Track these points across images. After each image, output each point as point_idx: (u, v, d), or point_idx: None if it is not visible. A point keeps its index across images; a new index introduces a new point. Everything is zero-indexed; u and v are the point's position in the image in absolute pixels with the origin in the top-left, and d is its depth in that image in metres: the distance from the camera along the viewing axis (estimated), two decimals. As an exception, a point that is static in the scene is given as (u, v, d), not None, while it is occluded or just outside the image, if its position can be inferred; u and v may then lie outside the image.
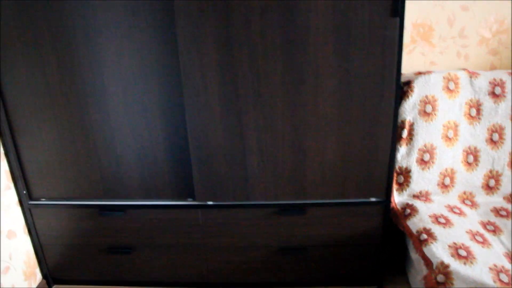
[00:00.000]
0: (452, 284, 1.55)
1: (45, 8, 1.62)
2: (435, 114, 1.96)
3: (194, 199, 1.89)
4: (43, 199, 1.98)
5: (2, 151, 1.88)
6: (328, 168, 1.79)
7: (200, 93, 1.67)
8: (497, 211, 1.94)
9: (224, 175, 1.81)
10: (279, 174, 1.80)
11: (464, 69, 2.01)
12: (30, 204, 1.99)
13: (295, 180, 1.81)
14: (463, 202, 2.03)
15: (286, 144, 1.74)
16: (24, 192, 1.96)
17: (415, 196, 2.03)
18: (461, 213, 1.91)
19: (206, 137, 1.74)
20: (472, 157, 2.02)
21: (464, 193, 2.05)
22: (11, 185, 1.94)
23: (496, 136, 2.00)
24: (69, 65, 1.70)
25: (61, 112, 1.78)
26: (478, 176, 2.04)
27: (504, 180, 2.03)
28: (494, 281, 1.51)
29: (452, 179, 2.02)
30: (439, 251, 1.65)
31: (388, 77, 1.64)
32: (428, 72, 1.96)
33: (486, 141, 2.01)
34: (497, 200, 2.04)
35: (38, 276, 2.15)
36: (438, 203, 1.98)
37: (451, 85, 1.96)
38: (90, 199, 1.95)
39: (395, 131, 1.75)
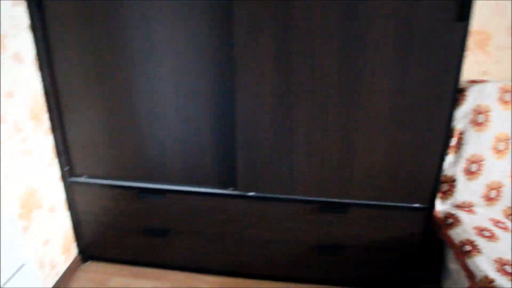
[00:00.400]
0: (495, 300, 1.51)
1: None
2: (487, 125, 1.90)
3: (235, 189, 1.88)
4: (85, 176, 1.99)
5: (49, 127, 1.89)
6: (375, 169, 1.76)
7: (252, 84, 1.65)
8: (543, 230, 1.88)
9: (268, 167, 1.80)
10: (325, 171, 1.78)
11: (521, 81, 1.94)
12: (71, 181, 2.01)
13: (340, 178, 1.79)
14: (508, 217, 1.97)
15: (335, 142, 1.72)
16: (67, 168, 1.97)
17: (458, 206, 1.98)
18: (506, 228, 1.86)
19: (254, 128, 1.73)
20: (521, 172, 1.96)
21: (510, 208, 2.00)
22: (55, 160, 1.96)
23: (548, 153, 1.93)
24: (121, 45, 1.70)
25: (110, 91, 1.79)
26: (526, 192, 1.98)
27: (553, 199, 1.96)
28: (540, 302, 1.47)
29: (498, 192, 1.97)
30: (483, 265, 1.61)
31: (446, 83, 1.60)
32: (483, 81, 1.91)
33: (538, 158, 1.95)
34: (544, 218, 1.97)
35: (74, 252, 2.18)
36: (482, 216, 1.93)
37: (507, 96, 1.90)
38: (131, 180, 1.96)
39: (447, 139, 1.71)
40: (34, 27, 1.71)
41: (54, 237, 1.98)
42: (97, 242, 2.15)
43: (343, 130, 1.70)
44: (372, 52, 1.56)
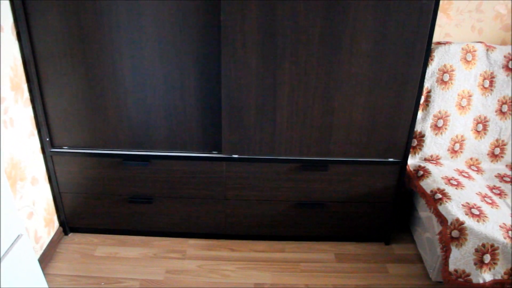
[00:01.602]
0: (466, 239, 1.67)
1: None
2: (451, 83, 2.05)
3: (219, 152, 1.94)
4: (65, 147, 1.98)
5: (28, 97, 1.86)
6: (353, 128, 1.86)
7: (238, 48, 1.69)
8: (501, 177, 2.07)
9: (252, 129, 1.86)
10: (307, 130, 1.87)
11: (481, 42, 2.09)
12: (52, 151, 1.99)
13: (320, 138, 1.88)
14: (470, 167, 2.15)
15: (316, 102, 1.80)
16: (47, 139, 1.96)
17: (426, 160, 2.14)
18: (469, 177, 2.03)
19: (239, 91, 1.78)
20: (481, 126, 2.14)
21: (471, 159, 2.17)
22: (35, 132, 1.94)
23: (505, 108, 2.11)
24: (106, 11, 1.68)
25: (93, 58, 1.77)
26: (485, 144, 2.16)
27: (509, 149, 2.15)
28: (504, 238, 1.64)
29: (461, 145, 2.14)
30: (454, 209, 1.76)
31: (419, 44, 1.71)
32: (448, 43, 2.04)
33: (496, 111, 2.12)
34: (501, 167, 2.17)
35: (56, 224, 2.18)
36: (448, 167, 2.09)
37: (469, 57, 2.04)
38: (114, 148, 1.96)
39: (419, 97, 1.82)
40: (11, -5, 1.67)
41: (37, 210, 1.97)
42: (79, 213, 2.15)
43: (324, 91, 1.78)
44: (352, 16, 1.64)
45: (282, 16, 1.64)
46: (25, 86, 1.84)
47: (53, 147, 1.99)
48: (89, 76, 1.81)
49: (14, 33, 1.75)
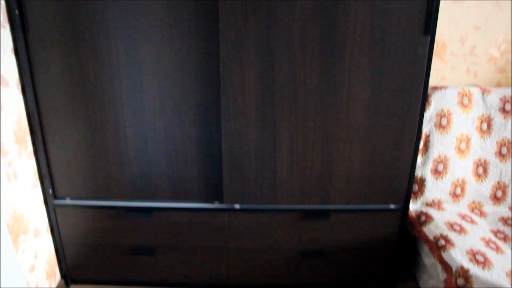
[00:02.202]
0: (471, 287, 1.65)
1: (87, 9, 1.66)
2: (449, 127, 2.07)
3: (221, 202, 1.94)
4: (68, 198, 1.99)
5: (32, 149, 1.89)
6: (353, 175, 1.87)
7: (237, 98, 1.73)
8: (504, 221, 2.06)
9: (253, 179, 1.87)
10: (307, 179, 1.87)
11: (476, 85, 2.12)
12: (55, 203, 2.00)
13: (321, 186, 1.89)
14: (472, 211, 2.14)
15: (316, 150, 1.82)
16: (50, 191, 1.97)
17: (428, 204, 2.13)
18: (472, 222, 2.02)
19: (239, 141, 1.80)
20: (481, 169, 2.14)
21: (473, 202, 2.17)
22: (38, 183, 1.96)
23: (504, 150, 2.12)
24: (107, 65, 1.73)
25: (95, 111, 1.81)
26: (486, 187, 2.15)
27: (510, 192, 2.15)
28: (511, 285, 1.62)
29: (462, 189, 2.14)
30: (458, 256, 1.75)
31: (416, 91, 1.74)
32: (444, 87, 2.07)
33: (495, 154, 2.13)
34: (504, 210, 2.16)
35: (58, 276, 2.17)
36: (450, 212, 2.09)
37: (465, 100, 2.07)
38: (117, 199, 1.97)
39: (417, 143, 1.84)
40: (17, 50, 1.72)
41: (39, 263, 1.96)
42: (81, 264, 2.14)
43: (322, 140, 1.80)
44: (348, 65, 1.68)
45: (280, 68, 1.69)
46: (28, 139, 1.87)
47: (56, 198, 2.00)
48: (91, 127, 1.84)
49: (19, 87, 1.79)
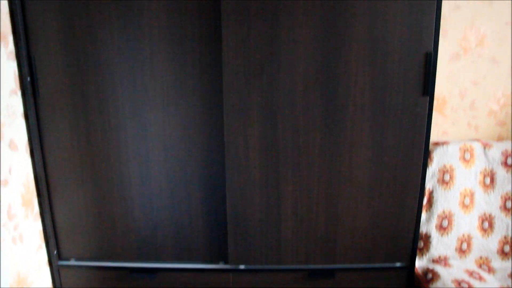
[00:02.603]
0: None
1: (95, 75, 1.73)
2: (452, 183, 2.08)
3: (226, 263, 1.93)
4: (73, 259, 1.99)
5: (38, 212, 1.91)
6: (358, 233, 1.87)
7: (241, 160, 1.76)
8: (513, 277, 2.03)
9: (258, 240, 1.87)
10: (311, 239, 1.87)
11: (477, 140, 2.15)
12: (60, 264, 2.00)
13: (326, 245, 1.89)
14: (480, 267, 2.11)
15: (320, 210, 1.83)
16: (55, 252, 1.97)
17: (434, 261, 2.11)
18: (480, 278, 1.99)
19: (244, 202, 1.82)
20: (487, 224, 2.13)
21: (481, 258, 2.15)
22: (43, 245, 1.96)
23: (509, 204, 2.12)
24: (114, 129, 1.78)
25: (102, 174, 1.84)
26: (493, 242, 2.14)
27: (518, 246, 2.13)
28: None
29: (469, 244, 2.12)
30: (467, 317, 1.72)
31: (417, 148, 1.77)
32: (445, 143, 2.10)
33: (500, 208, 2.13)
34: (512, 265, 2.13)
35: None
36: (457, 268, 2.06)
37: (467, 156, 2.09)
38: (122, 260, 1.97)
39: (421, 199, 1.85)
40: (27, 114, 1.77)
41: (42, 324, 1.94)
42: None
43: (326, 199, 1.82)
44: (350, 125, 1.72)
45: (283, 130, 1.73)
46: (35, 201, 1.89)
47: (61, 259, 2.00)
48: (97, 189, 1.87)
49: (28, 150, 1.83)
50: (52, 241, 1.96)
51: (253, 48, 1.65)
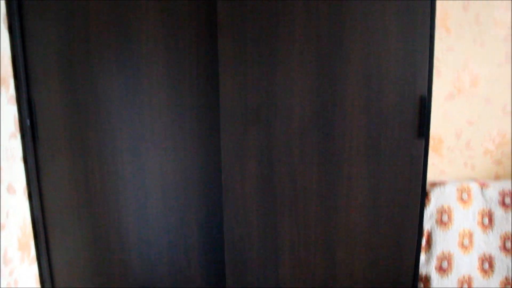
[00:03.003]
0: None
1: (95, 121, 1.75)
2: (451, 223, 2.08)
3: (224, 306, 1.91)
4: (68, 304, 1.97)
5: (34, 255, 1.90)
6: (357, 277, 1.85)
7: (239, 205, 1.76)
8: (515, 319, 2.00)
9: (256, 281, 1.85)
10: (309, 284, 1.85)
11: (474, 180, 2.16)
12: (55, 307, 1.97)
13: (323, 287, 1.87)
14: (481, 309, 2.09)
15: (318, 255, 1.82)
16: (50, 297, 1.95)
17: (435, 303, 2.09)
18: (482, 322, 1.97)
19: (242, 245, 1.81)
20: (487, 264, 2.12)
21: (482, 299, 2.12)
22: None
23: (508, 244, 2.11)
24: (112, 173, 1.79)
25: (99, 217, 1.84)
26: (494, 283, 2.12)
27: (519, 287, 2.11)
28: None
29: (469, 285, 2.10)
30: None
31: (414, 189, 1.77)
32: (442, 183, 2.11)
33: (500, 248, 2.12)
34: (514, 307, 2.11)
35: None
36: (459, 310, 2.04)
37: (465, 196, 2.10)
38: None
39: (419, 240, 1.84)
40: (26, 158, 1.78)
41: None
42: None
43: (324, 244, 1.81)
44: (347, 169, 1.73)
45: (280, 175, 1.74)
46: (32, 244, 1.88)
47: (56, 304, 1.97)
48: (94, 233, 1.86)
49: (26, 193, 1.83)
50: (48, 284, 1.93)
51: (250, 93, 1.67)
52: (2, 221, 1.67)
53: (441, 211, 2.07)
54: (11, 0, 1.67)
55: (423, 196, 1.80)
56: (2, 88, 1.67)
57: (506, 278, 2.12)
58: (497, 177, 2.36)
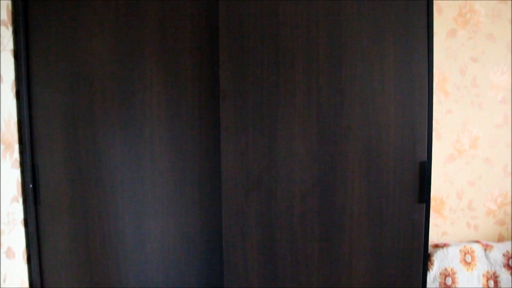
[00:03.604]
0: None
1: (96, 186, 1.76)
2: (455, 287, 2.04)
3: None
4: None
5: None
6: None
7: (240, 272, 1.75)
8: None
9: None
10: None
11: (477, 242, 2.14)
12: None
13: None
14: None
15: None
16: None
17: None
18: None
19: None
20: (494, 330, 2.07)
21: None
22: None
23: (515, 308, 2.07)
24: (113, 238, 1.78)
25: (99, 280, 1.81)
26: None
27: None
28: None
29: None
30: None
31: (416, 256, 1.75)
32: (445, 245, 2.09)
33: (507, 313, 2.07)
34: None
35: None
36: None
37: (468, 258, 2.07)
38: None
39: (423, 307, 1.81)
40: (27, 221, 1.78)
41: None
42: None
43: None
44: (348, 235, 1.72)
45: (281, 242, 1.73)
46: (28, 308, 1.85)
47: None
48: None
49: (25, 257, 1.82)
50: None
51: (251, 160, 1.69)
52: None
53: (445, 274, 2.04)
54: (20, 67, 1.72)
55: (426, 260, 1.78)
56: (6, 153, 1.69)
57: None
58: (500, 238, 2.34)
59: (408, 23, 1.67)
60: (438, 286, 2.05)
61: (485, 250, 2.12)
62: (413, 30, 1.67)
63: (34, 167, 1.77)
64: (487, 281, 2.10)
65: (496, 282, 2.10)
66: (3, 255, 1.67)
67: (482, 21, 2.23)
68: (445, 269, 2.06)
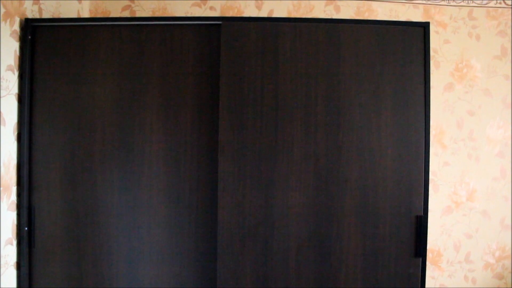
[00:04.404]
0: None
1: (92, 230, 1.75)
2: None
3: None
4: None
5: None
6: None
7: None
8: None
9: None
10: None
11: (475, 298, 2.11)
12: None
13: None
14: None
15: None
16: None
17: None
18: None
19: None
20: None
21: None
22: None
23: None
24: (106, 282, 1.76)
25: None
26: None
27: None
28: None
29: None
30: None
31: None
32: (443, 300, 2.06)
33: None
34: None
35: None
36: None
37: (466, 314, 2.04)
38: None
39: None
40: (19, 264, 1.77)
41: None
42: None
43: None
44: (343, 277, 1.71)
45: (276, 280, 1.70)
46: None
47: None
48: None
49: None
50: None
51: (248, 212, 1.69)
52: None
53: (442, 331, 2.00)
54: (23, 110, 1.75)
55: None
56: (4, 195, 1.70)
57: None
58: (499, 296, 2.31)
59: (406, 76, 1.71)
60: None
61: (483, 306, 2.09)
62: (410, 84, 1.71)
63: (30, 210, 1.77)
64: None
65: None
66: (-8, 299, 1.65)
67: (478, 76, 2.28)
68: (442, 325, 2.03)
